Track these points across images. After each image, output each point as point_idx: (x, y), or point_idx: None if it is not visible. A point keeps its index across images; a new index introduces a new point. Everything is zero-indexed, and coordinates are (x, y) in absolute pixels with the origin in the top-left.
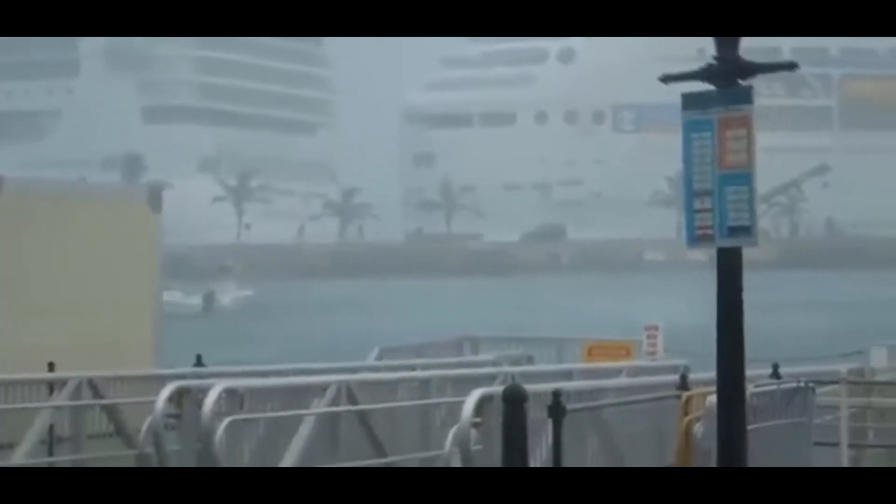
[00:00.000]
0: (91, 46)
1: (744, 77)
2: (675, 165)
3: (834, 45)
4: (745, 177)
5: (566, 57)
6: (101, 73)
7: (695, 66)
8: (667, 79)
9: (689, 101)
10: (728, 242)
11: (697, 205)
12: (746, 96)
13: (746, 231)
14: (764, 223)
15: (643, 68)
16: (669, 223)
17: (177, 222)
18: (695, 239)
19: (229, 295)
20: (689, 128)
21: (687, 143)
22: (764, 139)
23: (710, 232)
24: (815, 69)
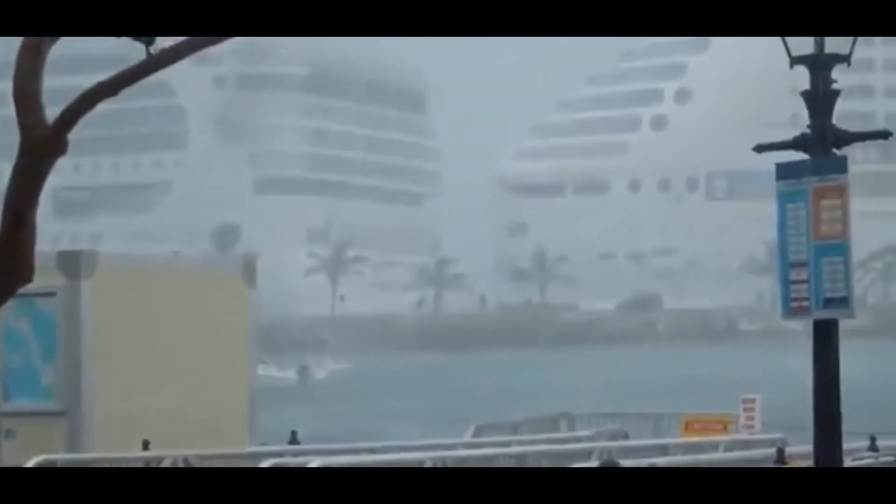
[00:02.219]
0: (200, 118)
1: (838, 146)
2: (770, 232)
3: None
4: (840, 247)
5: (659, 124)
6: (210, 145)
7: (788, 132)
8: (761, 148)
9: (784, 171)
10: (824, 314)
11: (793, 276)
12: (841, 166)
13: (843, 302)
14: (859, 289)
15: (736, 135)
16: (764, 291)
17: (276, 293)
18: (790, 311)
19: (324, 368)
20: (784, 198)
21: (782, 213)
22: (859, 204)
23: (805, 304)
24: None
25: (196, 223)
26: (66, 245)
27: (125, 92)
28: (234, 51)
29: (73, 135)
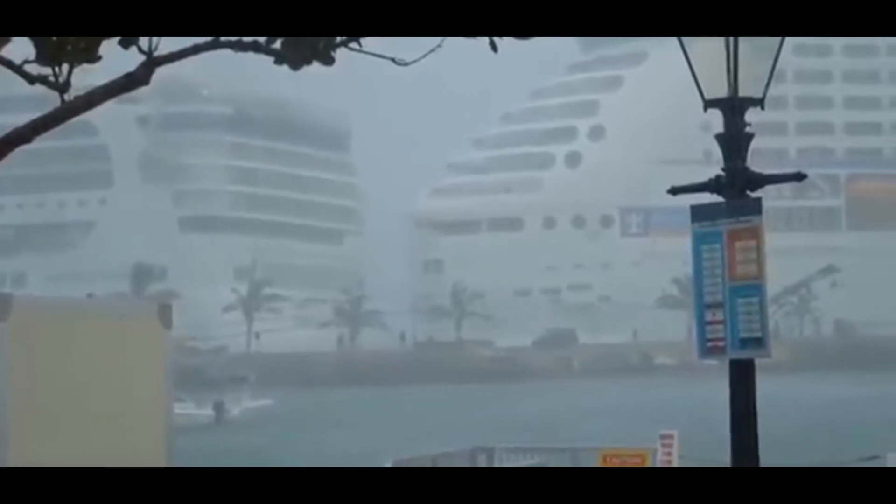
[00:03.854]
0: (124, 158)
1: (752, 188)
2: (683, 268)
3: (839, 145)
4: (755, 288)
5: (572, 161)
6: (135, 184)
7: (701, 168)
8: (675, 191)
9: (698, 213)
10: (740, 354)
11: (709, 317)
12: (755, 208)
13: (758, 342)
14: (773, 323)
15: (650, 171)
16: (679, 326)
17: (198, 332)
18: (707, 351)
19: (241, 405)
20: (699, 240)
21: (697, 255)
22: (772, 240)
23: (721, 344)
24: (822, 170)
25: (121, 263)
26: None
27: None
28: (156, 90)
29: None
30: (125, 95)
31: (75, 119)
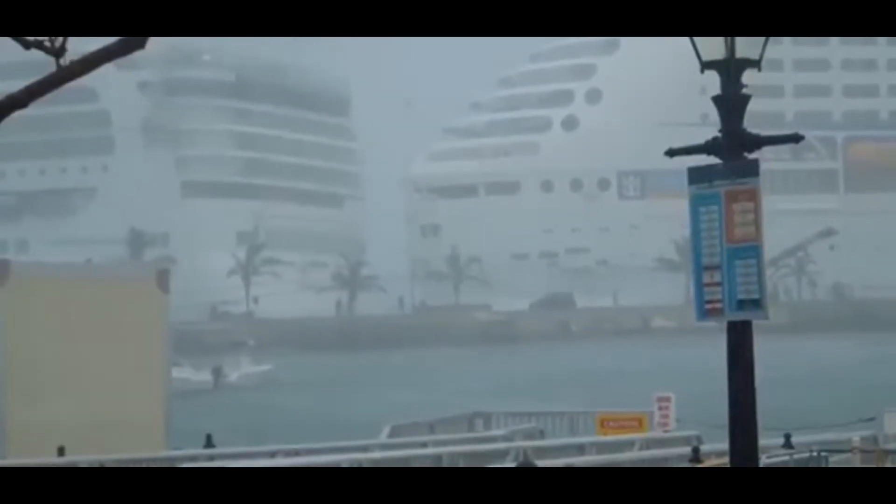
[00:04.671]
0: (125, 123)
1: (749, 150)
2: (680, 230)
3: (836, 108)
4: (753, 250)
5: (570, 125)
6: (137, 150)
7: (698, 131)
8: (673, 152)
9: (696, 175)
10: (738, 316)
11: (707, 278)
12: (753, 169)
13: (756, 304)
14: (771, 285)
15: (647, 135)
16: (677, 289)
17: (199, 297)
18: (705, 313)
19: (240, 370)
20: (697, 202)
21: (694, 216)
22: (770, 202)
23: (719, 306)
24: (819, 132)
25: (123, 228)
26: None
27: (49, 96)
28: (157, 56)
29: None
30: (126, 61)
31: (77, 85)
